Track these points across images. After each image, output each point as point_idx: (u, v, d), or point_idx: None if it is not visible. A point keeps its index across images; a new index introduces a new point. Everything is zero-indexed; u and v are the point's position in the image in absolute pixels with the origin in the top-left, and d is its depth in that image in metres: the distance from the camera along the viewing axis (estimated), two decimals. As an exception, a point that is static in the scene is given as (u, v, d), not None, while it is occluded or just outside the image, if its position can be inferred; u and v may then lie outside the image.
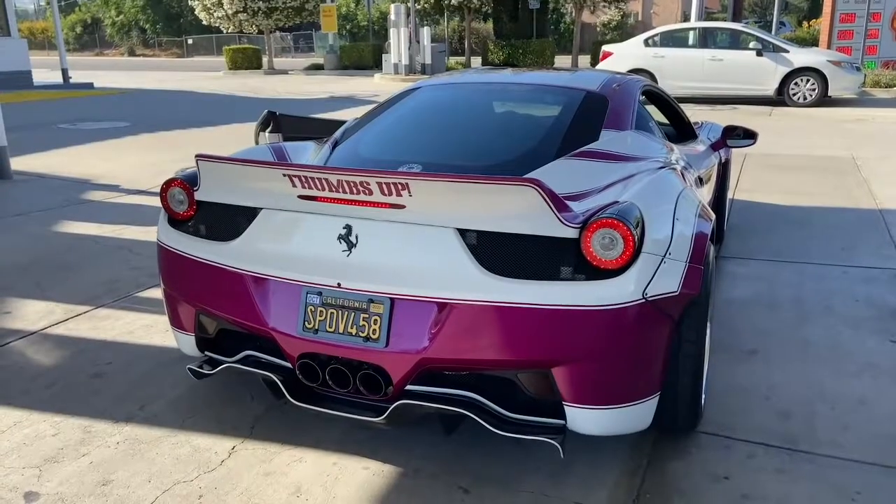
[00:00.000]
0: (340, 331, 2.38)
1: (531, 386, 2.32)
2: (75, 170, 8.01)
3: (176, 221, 2.76)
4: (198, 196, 2.66)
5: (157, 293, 4.17)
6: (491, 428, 2.25)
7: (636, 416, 2.33)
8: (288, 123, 5.08)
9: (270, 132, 5.29)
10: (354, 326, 2.36)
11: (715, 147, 4.54)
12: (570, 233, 2.18)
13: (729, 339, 3.48)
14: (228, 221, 2.61)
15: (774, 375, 3.13)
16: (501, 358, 2.24)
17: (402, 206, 2.28)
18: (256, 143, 5.28)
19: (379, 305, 2.34)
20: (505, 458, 2.53)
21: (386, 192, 2.26)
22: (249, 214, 2.55)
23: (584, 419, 2.28)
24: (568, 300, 2.17)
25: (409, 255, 2.30)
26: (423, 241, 2.29)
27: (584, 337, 2.19)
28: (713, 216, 2.71)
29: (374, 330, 2.34)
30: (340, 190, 2.31)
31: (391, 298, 2.32)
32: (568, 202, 2.29)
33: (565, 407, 2.28)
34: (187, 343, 2.83)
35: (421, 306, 2.30)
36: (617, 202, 2.34)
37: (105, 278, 4.43)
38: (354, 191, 2.30)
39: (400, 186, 2.23)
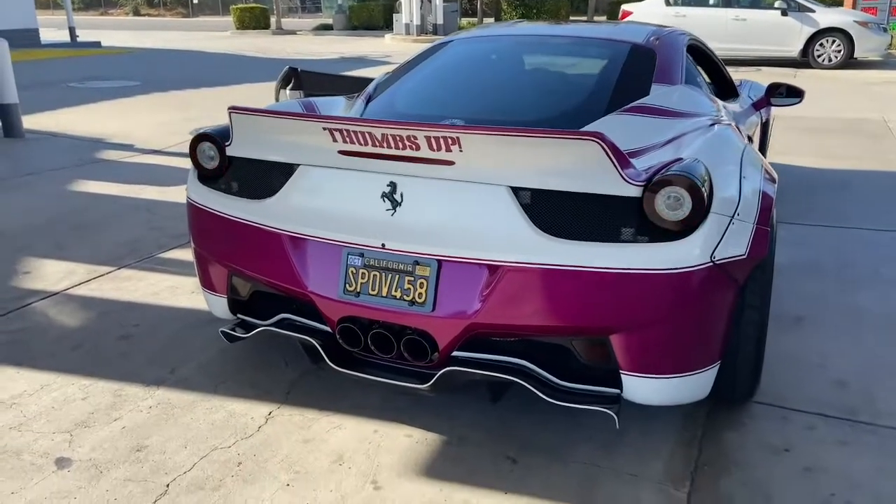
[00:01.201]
0: (384, 294, 2.26)
1: (586, 353, 2.20)
2: (88, 128, 7.86)
3: (206, 178, 2.63)
4: (229, 151, 2.53)
5: (180, 254, 4.06)
6: (543, 396, 2.14)
7: (696, 385, 2.22)
8: (310, 80, 4.91)
9: (291, 89, 5.13)
10: (399, 290, 2.24)
11: (757, 106, 4.36)
12: (633, 191, 2.04)
13: (774, 305, 3.35)
14: (262, 178, 2.47)
15: (826, 343, 3.01)
16: (556, 324, 2.12)
17: (452, 163, 2.14)
18: (277, 100, 5.12)
19: (425, 268, 2.21)
20: (554, 427, 2.43)
21: (434, 147, 2.12)
22: (285, 171, 2.42)
23: (641, 388, 2.17)
24: (629, 264, 2.04)
25: (458, 214, 2.17)
26: (474, 200, 2.15)
27: (646, 303, 2.07)
28: (776, 176, 2.56)
29: (420, 294, 2.22)
30: (385, 145, 2.17)
31: (438, 260, 2.20)
32: (630, 159, 2.15)
33: (622, 375, 2.17)
34: (219, 305, 2.72)
35: (470, 269, 2.17)
36: (680, 159, 2.19)
37: (126, 239, 4.32)
38: (400, 146, 2.16)
39: (450, 141, 2.09)
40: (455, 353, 2.27)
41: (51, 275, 3.76)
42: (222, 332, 2.63)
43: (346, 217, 2.29)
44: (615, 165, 2.01)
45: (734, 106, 3.94)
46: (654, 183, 2.03)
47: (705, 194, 2.02)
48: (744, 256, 2.14)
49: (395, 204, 2.23)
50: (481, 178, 2.14)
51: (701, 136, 2.51)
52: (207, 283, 2.73)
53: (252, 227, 2.46)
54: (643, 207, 2.04)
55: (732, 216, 2.11)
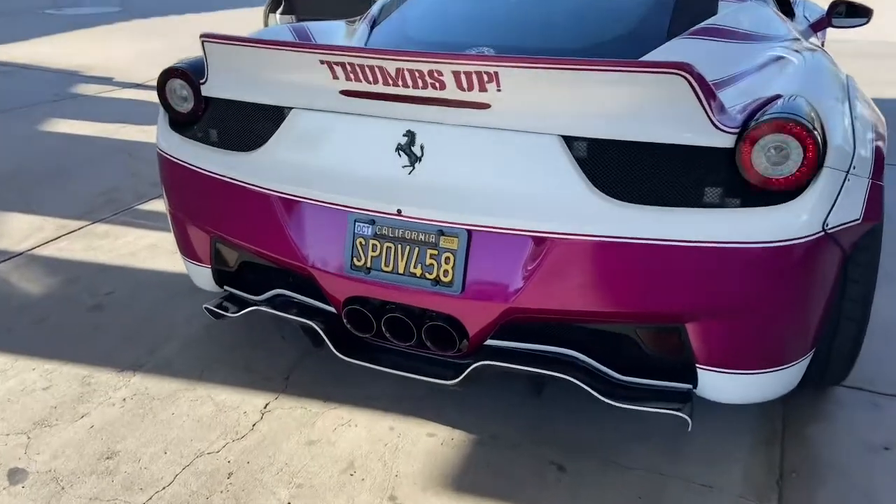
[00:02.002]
0: (400, 270, 1.82)
1: (653, 344, 1.78)
2: (63, 60, 7.26)
3: (179, 124, 2.15)
4: (205, 91, 2.04)
5: (162, 206, 3.60)
6: (600, 396, 1.74)
7: (785, 380, 1.80)
8: (303, 2, 4.34)
9: (282, 13, 4.56)
10: (419, 265, 1.81)
11: (815, 28, 3.81)
12: (724, 140, 1.57)
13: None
14: (246, 125, 2.00)
15: (910, 309, 2.60)
16: (618, 310, 1.70)
17: (486, 106, 1.67)
18: (265, 26, 4.56)
19: (452, 239, 1.77)
20: (603, 423, 2.04)
21: (465, 85, 1.64)
22: (274, 117, 1.94)
23: (721, 385, 1.76)
24: (715, 235, 1.60)
25: (494, 172, 1.71)
26: (515, 154, 1.69)
27: (736, 284, 1.63)
28: (883, 117, 2.08)
29: (446, 270, 1.78)
30: (400, 83, 1.70)
31: (469, 230, 1.75)
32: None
33: (698, 370, 1.76)
34: (202, 276, 2.29)
35: (510, 241, 1.73)
36: (779, 96, 1.72)
37: (102, 187, 3.85)
38: (420, 83, 1.68)
39: (485, 77, 1.61)
40: (489, 342, 1.85)
41: (14, 231, 3.31)
42: (207, 308, 2.21)
43: (352, 175, 1.83)
44: (704, 107, 1.54)
45: (794, 27, 3.40)
46: (751, 129, 1.56)
47: (819, 142, 1.56)
48: (858, 221, 1.69)
49: (414, 159, 1.76)
50: (525, 126, 1.67)
51: (792, 66, 2.02)
52: (187, 251, 2.29)
53: (235, 185, 2.00)
54: (736, 162, 1.58)
55: (848, 170, 1.65)
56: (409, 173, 1.77)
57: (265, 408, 2.12)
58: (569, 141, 1.65)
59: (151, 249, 3.13)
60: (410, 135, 1.75)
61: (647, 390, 1.80)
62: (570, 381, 1.75)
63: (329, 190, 1.86)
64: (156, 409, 2.12)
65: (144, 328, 2.53)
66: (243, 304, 2.19)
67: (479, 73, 1.61)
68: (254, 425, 2.05)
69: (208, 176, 2.05)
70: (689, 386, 1.79)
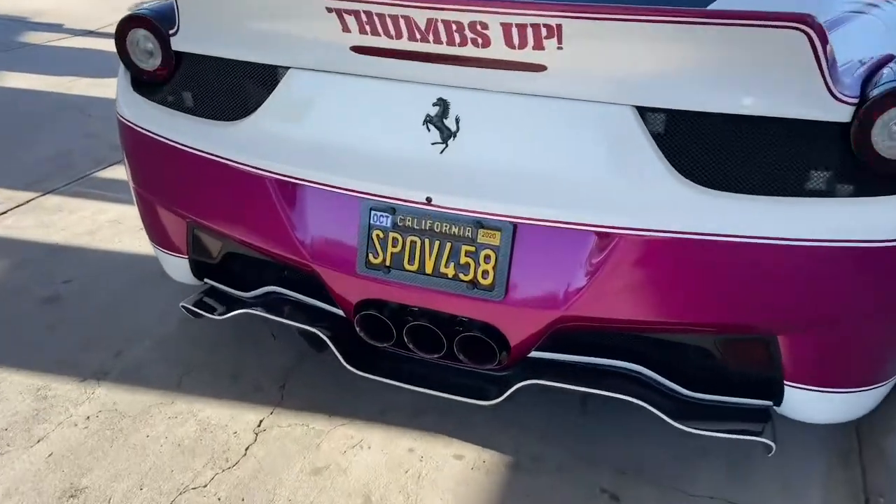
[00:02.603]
0: (428, 270, 1.49)
1: (735, 356, 1.50)
2: (7, 4, 6.59)
3: (144, 84, 1.76)
4: (176, 44, 1.65)
5: (124, 173, 3.19)
6: (671, 421, 1.45)
7: (878, 396, 1.54)
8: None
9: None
10: (452, 264, 1.48)
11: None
12: (841, 113, 1.26)
13: None
14: (229, 88, 1.62)
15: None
16: (701, 319, 1.40)
17: (542, 68, 1.32)
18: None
19: (493, 233, 1.44)
20: (656, 439, 1.76)
21: (517, 41, 1.29)
22: (265, 78, 1.57)
23: (810, 404, 1.49)
24: (825, 230, 1.30)
25: (547, 151, 1.38)
26: (575, 129, 1.36)
27: (846, 289, 1.34)
28: None
29: (485, 271, 1.46)
30: (431, 37, 1.34)
31: (514, 223, 1.42)
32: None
33: (785, 386, 1.47)
34: (177, 268, 1.93)
35: (565, 237, 1.41)
36: (893, 57, 1.40)
37: (52, 151, 3.40)
38: (457, 39, 1.32)
39: (544, 31, 1.27)
40: (533, 354, 1.55)
41: (-48, 206, 2.89)
42: (184, 307, 1.86)
43: (367, 154, 1.48)
44: (823, 71, 1.21)
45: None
46: (873, 99, 1.25)
47: (959, 120, 1.26)
48: None
49: (447, 134, 1.42)
50: (590, 94, 1.33)
51: (885, 17, 1.70)
52: (157, 238, 1.92)
53: (217, 162, 1.63)
54: (851, 140, 1.27)
55: None
56: (441, 152, 1.42)
57: (259, 426, 1.80)
58: (645, 113, 1.32)
59: (113, 226, 2.73)
60: (443, 104, 1.40)
61: (720, 408, 1.52)
62: (635, 403, 1.46)
63: (337, 172, 1.51)
64: (126, 429, 1.78)
65: (109, 325, 2.16)
66: (229, 301, 1.85)
67: (535, 27, 1.26)
68: (247, 449, 1.73)
69: (183, 150, 1.68)
70: (770, 403, 1.52)
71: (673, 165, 1.32)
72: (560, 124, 1.36)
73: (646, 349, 1.54)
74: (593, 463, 1.70)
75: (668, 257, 1.35)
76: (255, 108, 1.58)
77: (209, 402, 1.87)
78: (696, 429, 1.44)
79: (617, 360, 1.54)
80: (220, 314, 1.80)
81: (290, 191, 1.58)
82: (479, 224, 1.44)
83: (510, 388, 1.52)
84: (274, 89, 1.55)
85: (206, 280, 1.92)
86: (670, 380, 1.51)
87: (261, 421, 1.81)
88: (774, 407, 1.52)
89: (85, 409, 1.84)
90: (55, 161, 3.29)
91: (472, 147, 1.41)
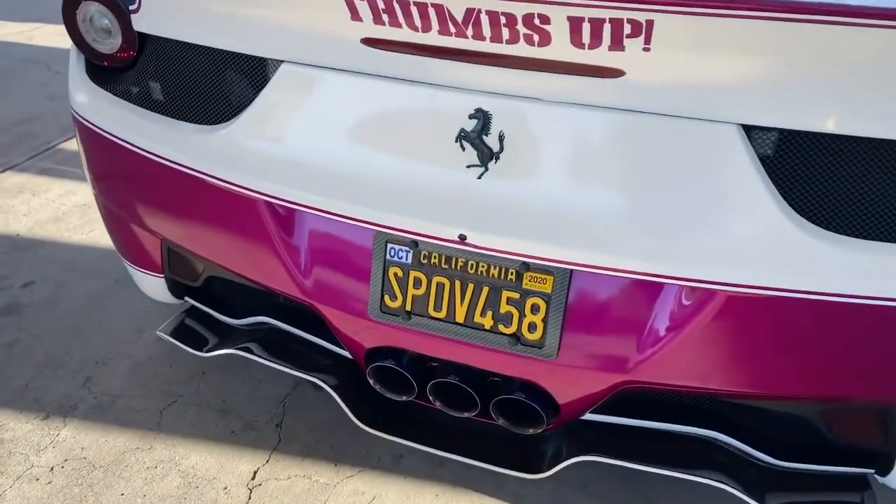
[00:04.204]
0: (459, 319, 1.20)
1: (840, 426, 1.23)
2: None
3: (102, 71, 1.42)
4: (138, 23, 1.31)
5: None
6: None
7: None
8: None
9: None
10: (490, 313, 1.18)
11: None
12: None
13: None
14: (208, 84, 1.29)
15: None
16: (809, 389, 1.12)
17: (619, 73, 1.00)
18: None
19: (543, 279, 1.14)
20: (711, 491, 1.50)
21: (588, 38, 0.97)
22: (253, 74, 1.24)
23: (924, 479, 1.23)
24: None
25: (618, 180, 1.07)
26: (659, 152, 1.04)
27: None
28: None
29: (533, 324, 1.16)
30: (470, 31, 1.01)
31: (570, 269, 1.12)
32: None
33: (896, 460, 1.21)
34: (152, 286, 1.63)
35: (636, 288, 1.11)
36: None
37: (13, 117, 3.03)
38: (506, 36, 1.00)
39: (627, 28, 0.94)
40: (588, 417, 1.28)
41: None
42: (162, 336, 1.57)
43: (383, 177, 1.16)
44: None
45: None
46: None
47: None
48: None
49: (488, 155, 1.10)
50: (680, 107, 1.02)
51: None
52: (127, 255, 1.61)
53: (195, 177, 1.31)
54: None
55: None
56: (479, 177, 1.11)
57: (253, 478, 1.53)
58: (753, 134, 1.01)
59: (83, 212, 2.41)
60: (482, 117, 1.08)
61: (811, 477, 1.26)
62: (715, 486, 1.20)
63: (343, 197, 1.19)
64: (97, 485, 1.51)
65: (77, 342, 1.87)
66: (214, 329, 1.56)
67: (616, 23, 0.93)
68: (240, 510, 1.47)
69: (152, 159, 1.35)
70: (871, 471, 1.26)
71: (787, 201, 1.02)
72: (636, 146, 1.04)
73: (725, 412, 1.27)
74: (648, 527, 1.45)
75: (774, 319, 1.06)
76: (241, 111, 1.25)
77: (194, 447, 1.59)
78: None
79: (690, 425, 1.27)
80: (206, 350, 1.50)
81: (284, 216, 1.27)
82: (526, 266, 1.14)
83: (561, 462, 1.25)
84: (263, 88, 1.22)
85: (187, 299, 1.63)
86: (755, 448, 1.25)
87: (255, 472, 1.54)
88: (877, 476, 1.26)
89: (48, 458, 1.56)
90: (15, 130, 2.93)
91: (518, 172, 1.09)
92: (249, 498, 1.49)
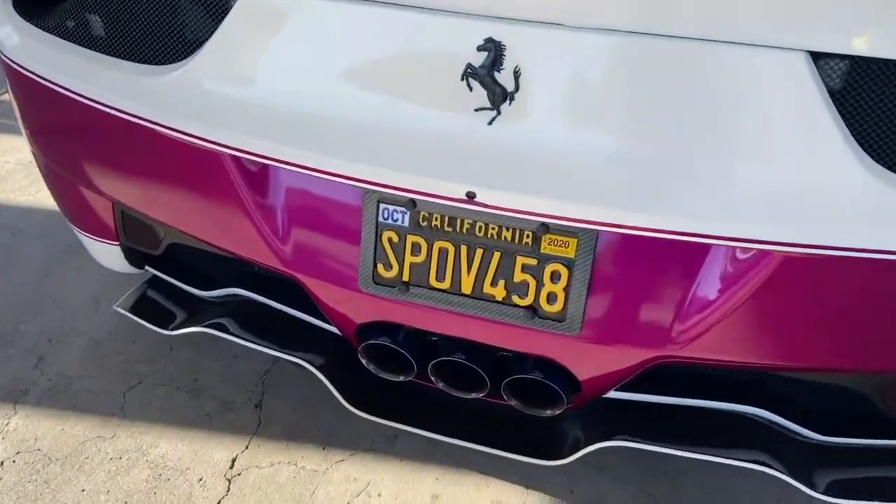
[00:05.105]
0: (466, 290, 1.03)
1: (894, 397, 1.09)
2: None
3: (30, 3, 1.20)
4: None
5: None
6: (809, 491, 1.06)
7: None
8: None
9: None
10: (502, 282, 1.02)
11: None
12: None
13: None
14: (157, 14, 1.08)
15: None
16: (883, 366, 0.98)
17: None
18: None
19: (565, 242, 0.97)
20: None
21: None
22: (211, 3, 1.03)
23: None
24: None
25: (657, 123, 0.89)
26: (707, 87, 0.87)
27: None
28: None
29: (552, 294, 1.00)
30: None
31: (597, 230, 0.95)
32: None
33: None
34: (107, 255, 1.43)
35: (680, 251, 0.95)
36: None
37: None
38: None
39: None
40: (613, 395, 1.13)
41: None
42: (120, 311, 1.38)
43: (372, 125, 0.97)
44: None
45: None
46: None
47: None
48: None
49: (500, 96, 0.91)
50: (734, 32, 0.84)
51: None
52: (76, 220, 1.41)
53: (148, 128, 1.11)
54: None
55: None
56: (490, 122, 0.93)
57: (232, 467, 1.37)
58: (824, 63, 0.84)
59: (28, 171, 2.18)
60: (494, 49, 0.89)
61: (862, 452, 1.14)
62: (765, 472, 1.07)
63: (326, 150, 1.00)
64: (54, 480, 1.34)
65: (26, 318, 1.67)
66: (181, 303, 1.38)
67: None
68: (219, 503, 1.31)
69: (95, 108, 1.14)
70: (916, 446, 1.14)
71: (860, 145, 0.86)
72: (680, 81, 0.87)
73: (767, 385, 1.13)
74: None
75: (839, 281, 0.91)
76: (198, 47, 1.04)
77: (163, 433, 1.43)
78: (841, 500, 1.06)
79: (726, 400, 1.13)
80: (171, 328, 1.32)
81: (256, 173, 1.08)
82: (545, 228, 0.97)
83: (582, 448, 1.11)
84: (225, 18, 1.01)
85: (148, 268, 1.44)
86: (800, 423, 1.11)
87: (234, 459, 1.38)
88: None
89: (-3, 451, 1.39)
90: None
91: (537, 115, 0.91)
92: (228, 489, 1.33)
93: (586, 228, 0.95)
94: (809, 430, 1.11)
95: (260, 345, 1.23)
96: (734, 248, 0.92)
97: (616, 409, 1.15)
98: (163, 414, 1.46)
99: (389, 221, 1.03)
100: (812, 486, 1.05)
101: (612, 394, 1.13)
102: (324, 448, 1.41)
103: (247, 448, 1.40)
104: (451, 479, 1.36)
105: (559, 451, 1.14)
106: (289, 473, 1.36)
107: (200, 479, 1.35)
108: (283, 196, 1.10)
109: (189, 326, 1.28)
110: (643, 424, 1.12)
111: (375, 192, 1.01)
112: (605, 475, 1.37)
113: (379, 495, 1.33)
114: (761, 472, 1.19)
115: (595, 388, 1.09)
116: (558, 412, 1.10)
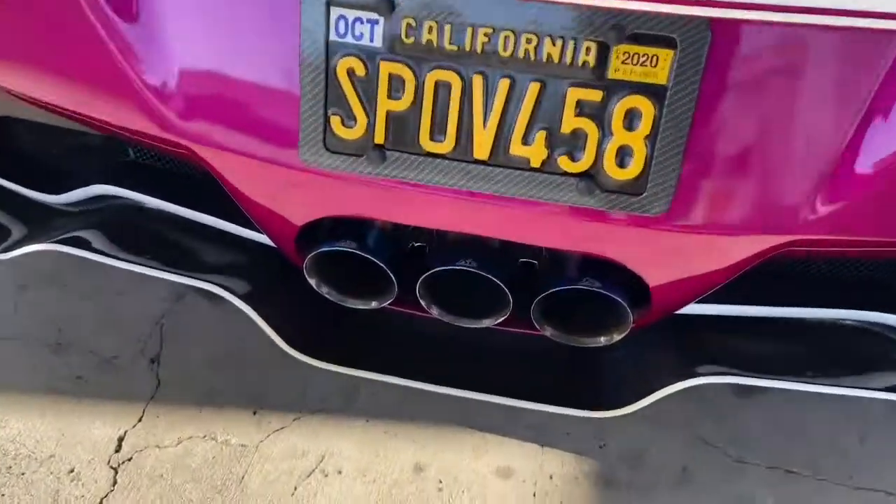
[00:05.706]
0: (481, 154, 0.63)
1: None
2: None
3: None
4: None
5: None
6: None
7: None
8: None
9: None
10: (542, 134, 0.62)
11: None
12: None
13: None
14: None
15: None
16: None
17: None
18: None
19: (651, 59, 0.58)
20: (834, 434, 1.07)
21: None
22: None
23: None
24: None
25: None
26: None
27: None
28: None
29: (627, 150, 0.61)
30: None
31: (708, 32, 0.56)
32: None
33: None
34: None
35: (849, 52, 0.57)
36: None
37: None
38: None
39: None
40: (690, 310, 0.76)
41: None
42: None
43: None
44: None
45: None
46: None
47: None
48: None
49: None
50: None
51: None
52: None
53: None
54: None
55: None
56: None
57: (118, 449, 0.95)
58: None
59: None
60: None
61: None
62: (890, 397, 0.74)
63: None
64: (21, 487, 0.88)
65: None
66: (20, 213, 0.92)
67: None
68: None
69: None
70: None
71: None
72: None
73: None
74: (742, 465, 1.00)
75: None
76: None
77: (14, 408, 0.98)
78: None
79: (844, 307, 0.78)
80: (5, 249, 0.87)
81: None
82: (621, 32, 0.57)
83: (654, 391, 0.74)
84: None
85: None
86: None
87: (121, 438, 0.96)
88: None
89: None
90: None
91: None
92: (115, 482, 0.91)
93: (691, 28, 0.56)
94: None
95: (145, 266, 0.80)
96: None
97: (694, 329, 0.79)
98: (14, 380, 1.01)
99: (349, 39, 0.61)
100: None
101: (690, 308, 0.76)
102: (254, 413, 1.00)
103: (140, 421, 0.98)
104: (439, 444, 0.98)
105: (617, 399, 0.78)
106: (204, 452, 0.95)
107: (71, 471, 0.92)
108: (165, 16, 0.65)
109: (28, 244, 0.83)
110: (737, 350, 0.77)
111: (324, -14, 0.59)
112: (640, 422, 1.02)
113: (339, 472, 0.94)
114: (839, 405, 0.88)
115: (670, 301, 0.72)
116: (618, 339, 0.73)
